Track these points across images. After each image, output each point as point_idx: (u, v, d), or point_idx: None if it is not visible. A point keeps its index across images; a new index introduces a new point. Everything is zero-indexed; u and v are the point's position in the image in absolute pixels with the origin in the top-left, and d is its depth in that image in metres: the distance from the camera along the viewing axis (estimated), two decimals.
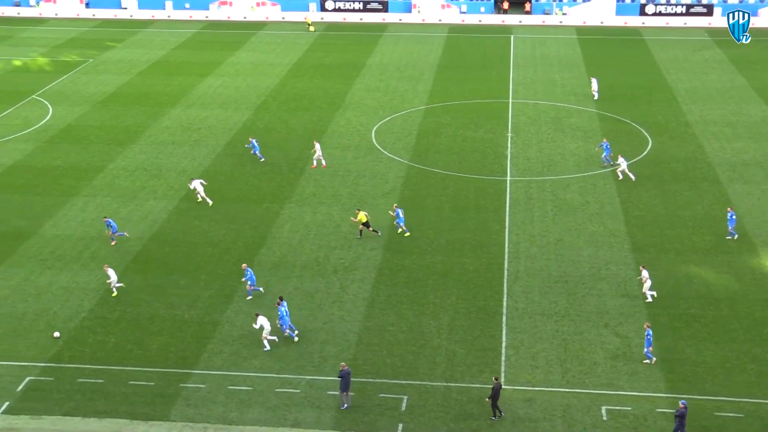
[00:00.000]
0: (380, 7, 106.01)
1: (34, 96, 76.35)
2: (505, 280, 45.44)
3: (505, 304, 43.37)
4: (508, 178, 57.83)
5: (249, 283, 43.83)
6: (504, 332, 41.08)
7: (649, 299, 43.33)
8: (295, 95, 76.16)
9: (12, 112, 72.05)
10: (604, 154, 59.29)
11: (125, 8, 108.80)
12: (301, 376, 37.81)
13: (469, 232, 50.62)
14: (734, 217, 49.56)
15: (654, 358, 38.73)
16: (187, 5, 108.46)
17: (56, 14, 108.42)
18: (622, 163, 57.16)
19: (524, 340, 40.51)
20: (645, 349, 38.63)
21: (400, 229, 50.21)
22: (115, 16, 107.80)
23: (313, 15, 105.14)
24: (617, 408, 36.11)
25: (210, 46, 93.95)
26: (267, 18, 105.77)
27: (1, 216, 52.98)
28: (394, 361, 39.03)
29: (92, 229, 51.21)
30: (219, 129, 67.62)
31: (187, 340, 40.51)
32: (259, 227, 51.37)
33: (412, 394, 36.96)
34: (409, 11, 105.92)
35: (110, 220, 49.57)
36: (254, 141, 61.98)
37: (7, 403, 36.30)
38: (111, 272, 44.22)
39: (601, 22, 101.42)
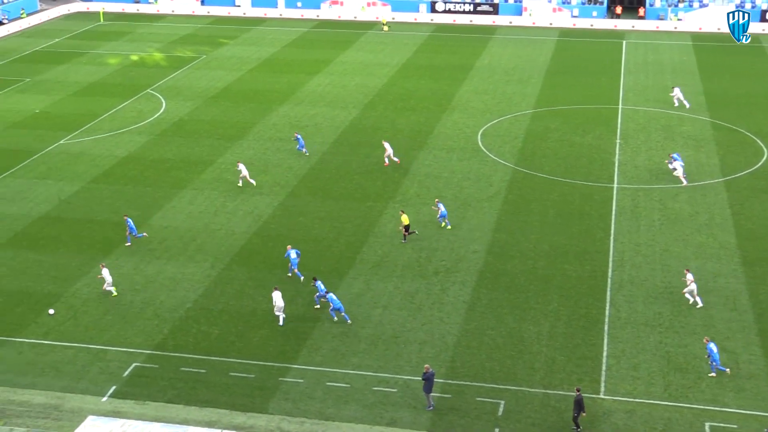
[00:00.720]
0: (491, 9, 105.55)
1: (148, 90, 78.45)
2: (609, 289, 44.73)
3: (607, 312, 42.70)
4: (615, 186, 56.90)
5: (291, 266, 45.26)
6: (605, 341, 40.45)
7: (700, 304, 42.75)
8: (403, 95, 76.41)
9: (128, 105, 74.18)
10: (678, 164, 57.59)
11: (239, 6, 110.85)
12: (399, 376, 37.92)
13: (573, 238, 49.99)
14: None
15: (728, 369, 37.84)
16: (299, 4, 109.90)
17: (173, 11, 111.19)
18: (678, 167, 56.93)
19: (626, 350, 39.80)
20: (713, 365, 37.65)
21: (443, 224, 50.76)
22: (229, 13, 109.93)
23: (387, 14, 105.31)
24: (722, 425, 35.15)
25: (320, 44, 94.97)
26: (377, 18, 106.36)
27: (114, 206, 54.58)
28: (492, 365, 38.83)
29: (199, 221, 52.35)
30: (326, 127, 68.32)
31: (288, 335, 41.05)
32: (362, 225, 51.71)
33: (509, 399, 36.70)
34: (520, 14, 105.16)
35: (129, 219, 49.60)
36: (299, 136, 62.98)
37: (113, 387, 37.40)
38: (106, 273, 44.31)
39: (718, 29, 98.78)
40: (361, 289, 44.92)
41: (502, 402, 36.49)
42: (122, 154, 62.98)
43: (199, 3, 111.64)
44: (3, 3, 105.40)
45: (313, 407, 36.24)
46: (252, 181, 57.15)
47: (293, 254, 45.86)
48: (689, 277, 43.45)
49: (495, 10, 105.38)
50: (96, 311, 43.01)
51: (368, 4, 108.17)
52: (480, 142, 64.54)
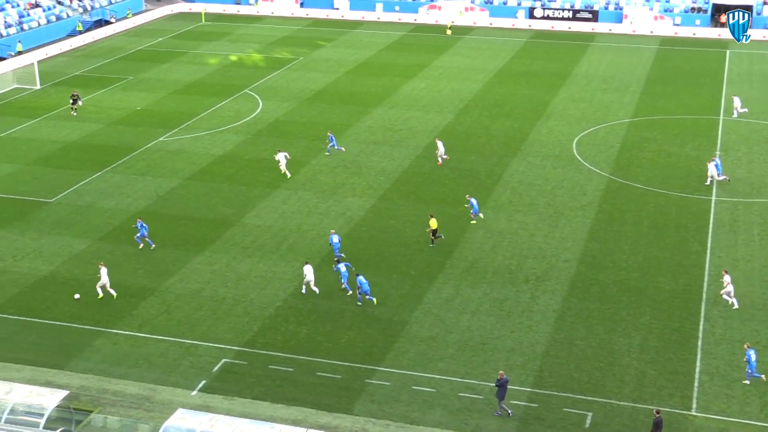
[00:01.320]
0: (590, 16, 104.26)
1: (246, 90, 79.66)
2: (703, 304, 43.72)
3: (701, 328, 41.73)
4: (713, 198, 55.60)
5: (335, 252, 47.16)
6: (698, 357, 39.54)
7: (736, 305, 42.89)
8: (498, 101, 76.01)
9: (225, 105, 75.45)
10: (717, 171, 57.49)
11: (337, 9, 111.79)
12: (485, 383, 37.70)
13: (668, 251, 49.01)
14: None
15: (762, 376, 37.35)
16: (397, 8, 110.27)
17: (272, 13, 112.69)
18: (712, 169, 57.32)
19: (720, 367, 38.83)
20: (749, 372, 37.44)
21: (474, 220, 51.96)
22: (327, 16, 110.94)
23: (455, 18, 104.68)
24: None
25: (417, 48, 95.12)
26: (474, 23, 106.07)
27: (209, 203, 55.57)
28: (580, 376, 38.31)
29: (292, 221, 52.92)
30: (420, 131, 68.38)
31: (375, 337, 41.18)
32: (453, 231, 51.57)
33: (597, 411, 36.15)
34: (620, 21, 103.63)
35: (142, 222, 49.79)
36: (332, 135, 63.96)
37: (203, 382, 38.04)
38: (104, 272, 44.53)
39: None
40: (450, 294, 44.82)
41: (590, 414, 35.97)
42: (219, 153, 64.06)
43: (299, 5, 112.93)
44: (111, 3, 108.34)
45: (398, 410, 36.27)
46: (287, 172, 58.94)
47: (335, 239, 47.80)
48: (726, 278, 43.24)
49: (594, 17, 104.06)
50: (188, 306, 43.83)
51: (466, 9, 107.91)
52: (575, 150, 63.78)
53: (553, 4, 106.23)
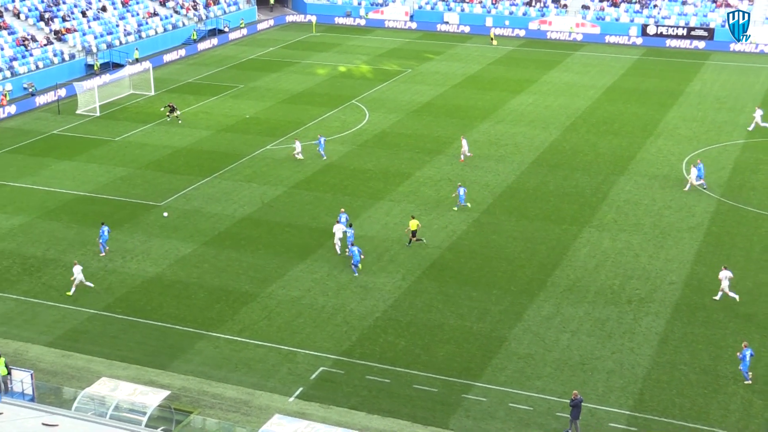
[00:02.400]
0: (705, 34, 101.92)
1: (353, 101, 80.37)
2: None
3: None
4: None
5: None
6: None
7: (717, 297, 44.62)
8: (606, 119, 74.94)
9: (333, 115, 76.26)
10: (699, 174, 58.84)
11: (447, 22, 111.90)
12: (584, 404, 37.07)
13: None
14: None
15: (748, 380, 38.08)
16: (507, 22, 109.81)
17: (382, 25, 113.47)
18: (693, 175, 58.54)
19: None
20: (741, 368, 38.43)
21: (457, 207, 55.42)
22: (437, 29, 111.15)
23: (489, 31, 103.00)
24: None
25: (525, 63, 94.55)
26: (585, 39, 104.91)
27: (313, 212, 56.19)
28: (683, 402, 37.38)
29: (393, 232, 53.09)
30: (525, 146, 67.89)
31: (473, 352, 40.96)
32: (556, 248, 51.02)
33: None
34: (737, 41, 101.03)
35: (105, 228, 50.32)
36: (322, 138, 65.60)
37: (300, 389, 38.41)
38: (77, 270, 45.62)
39: None
40: (551, 312, 44.31)
41: None
42: (324, 162, 64.74)
43: (408, 18, 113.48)
44: (225, 13, 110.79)
45: (494, 427, 35.97)
46: (300, 156, 63.95)
47: (343, 219, 51.46)
48: (721, 274, 44.75)
49: (710, 35, 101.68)
50: (289, 313, 44.35)
51: (577, 25, 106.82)
52: (684, 171, 62.40)
53: (667, 21, 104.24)
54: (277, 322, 43.62)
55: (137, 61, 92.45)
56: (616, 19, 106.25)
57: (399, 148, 67.87)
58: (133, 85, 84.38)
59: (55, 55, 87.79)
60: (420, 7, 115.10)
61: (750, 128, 70.71)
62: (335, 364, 40.12)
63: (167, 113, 75.34)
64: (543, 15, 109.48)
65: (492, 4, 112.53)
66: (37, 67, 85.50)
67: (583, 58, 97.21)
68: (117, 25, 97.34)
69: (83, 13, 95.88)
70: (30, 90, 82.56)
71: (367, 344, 41.66)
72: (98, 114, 76.87)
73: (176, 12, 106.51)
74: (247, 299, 45.69)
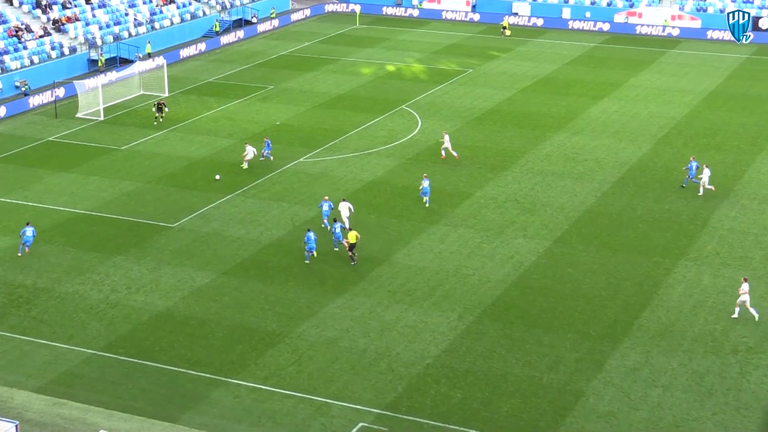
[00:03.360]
0: None
1: (403, 106, 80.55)
2: None
3: None
4: None
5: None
6: None
7: (735, 315, 46.86)
8: (707, 130, 74.38)
9: (378, 122, 76.46)
10: (690, 174, 62.61)
11: (515, 13, 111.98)
12: None
13: None
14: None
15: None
16: (588, 14, 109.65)
17: (439, 17, 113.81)
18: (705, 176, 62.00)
19: None
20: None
21: (424, 199, 59.78)
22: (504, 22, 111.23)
23: None
24: None
25: (609, 63, 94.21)
26: (682, 34, 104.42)
27: None
28: None
29: (449, 263, 52.95)
30: (608, 162, 67.51)
31: (543, 408, 40.61)
32: (644, 285, 50.54)
33: None
34: None
35: (28, 229, 53.42)
36: (268, 141, 67.82)
37: None
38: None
39: None
40: (638, 362, 43.84)
41: None
42: (368, 178, 64.86)
43: (470, 8, 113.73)
44: (253, 1, 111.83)
45: None
46: (243, 158, 65.56)
47: (326, 207, 56.23)
48: (743, 287, 46.87)
49: None
50: (323, 358, 44.31)
51: (672, 17, 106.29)
52: None
53: None
54: (309, 368, 43.60)
55: (149, 56, 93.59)
56: (721, 11, 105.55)
57: (457, 162, 67.81)
58: (144, 84, 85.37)
59: (52, 48, 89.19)
60: None
61: None
62: (377, 420, 39.99)
63: (156, 113, 76.13)
64: (632, 6, 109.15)
65: None
66: (32, 63, 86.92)
67: (679, 57, 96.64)
68: (126, 14, 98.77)
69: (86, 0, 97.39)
70: (23, 89, 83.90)
71: (416, 396, 41.49)
72: (102, 118, 77.80)
73: None
74: (274, 340, 45.73)
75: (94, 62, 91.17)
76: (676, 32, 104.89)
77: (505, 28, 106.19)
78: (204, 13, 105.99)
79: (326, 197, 57.45)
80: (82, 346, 45.13)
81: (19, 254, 53.56)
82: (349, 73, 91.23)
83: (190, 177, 65.29)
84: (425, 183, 60.06)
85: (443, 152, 67.66)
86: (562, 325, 46.89)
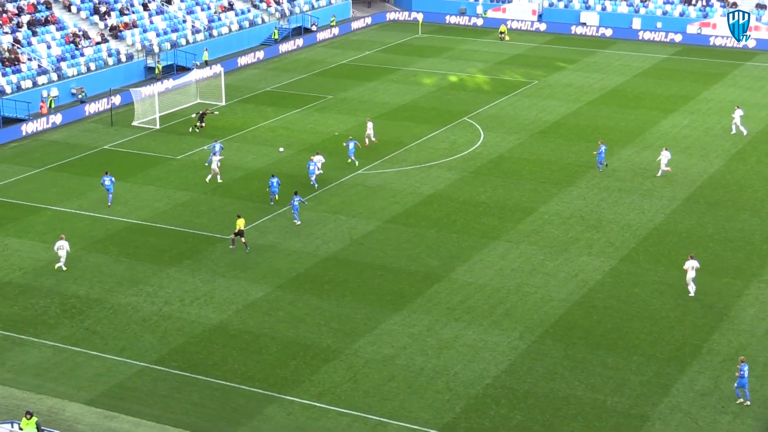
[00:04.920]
0: None
1: (465, 118, 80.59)
2: None
3: None
4: None
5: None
6: None
7: (691, 293, 50.12)
8: None
9: (439, 134, 76.57)
10: (599, 158, 68.24)
11: (584, 24, 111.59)
12: None
13: None
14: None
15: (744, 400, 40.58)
16: (659, 24, 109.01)
17: (505, 25, 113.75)
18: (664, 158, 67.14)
19: None
20: (737, 386, 41.65)
21: (350, 160, 67.31)
22: (572, 32, 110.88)
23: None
24: None
25: (681, 75, 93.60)
26: (759, 46, 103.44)
27: (412, 252, 56.34)
28: None
29: (511, 281, 52.87)
30: (678, 179, 67.05)
31: None
32: (714, 307, 50.11)
33: None
34: None
35: (106, 178, 59.17)
36: (216, 144, 69.18)
37: None
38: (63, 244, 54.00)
39: None
40: (708, 387, 43.44)
41: None
42: (428, 192, 64.97)
43: (536, 18, 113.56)
44: (313, 8, 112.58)
45: None
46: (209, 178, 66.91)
47: (275, 183, 62.14)
48: (687, 264, 50.69)
49: None
50: (379, 375, 44.43)
51: (750, 29, 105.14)
52: None
53: None
54: (365, 385, 43.73)
55: (206, 64, 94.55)
56: None
57: (520, 176, 67.72)
58: (201, 93, 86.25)
59: (109, 55, 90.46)
60: (551, 5, 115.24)
61: (733, 131, 76.03)
62: None
63: (197, 122, 77.32)
64: (705, 16, 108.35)
65: (641, 1, 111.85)
66: (89, 70, 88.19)
67: (756, 70, 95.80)
68: (184, 21, 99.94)
69: (144, 6, 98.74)
70: (79, 96, 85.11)
71: (475, 417, 41.46)
72: (158, 126, 78.75)
73: (255, 6, 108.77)
74: (329, 356, 45.93)
75: (150, 70, 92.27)
76: (752, 44, 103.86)
77: (503, 33, 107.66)
78: (263, 21, 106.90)
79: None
80: (134, 359, 45.67)
81: (109, 204, 61.93)
82: (410, 83, 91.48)
83: (246, 188, 65.81)
84: (350, 144, 68.00)
85: (366, 140, 72.74)
86: (627, 346, 46.62)
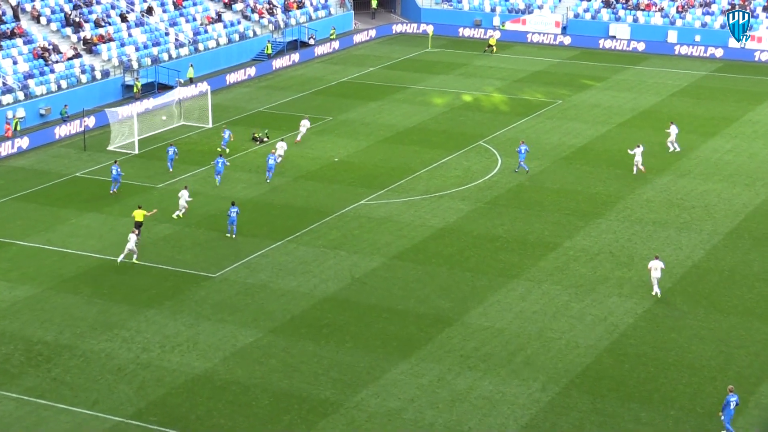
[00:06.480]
0: None
1: (481, 142, 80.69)
2: None
3: None
4: None
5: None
6: None
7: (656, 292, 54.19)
8: None
9: (452, 160, 76.60)
10: (520, 159, 72.59)
11: (612, 37, 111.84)
12: None
13: None
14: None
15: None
16: (698, 37, 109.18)
17: (524, 39, 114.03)
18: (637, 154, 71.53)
19: None
20: (723, 417, 42.71)
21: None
22: (600, 46, 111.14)
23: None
24: None
25: (721, 95, 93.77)
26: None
27: (421, 292, 56.22)
28: None
29: (532, 325, 52.72)
30: (720, 210, 67.02)
31: None
32: (761, 354, 49.94)
33: None
34: None
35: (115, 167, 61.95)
36: (172, 147, 74.32)
37: None
38: (133, 238, 58.64)
39: None
40: None
41: None
42: (438, 225, 64.94)
43: (560, 30, 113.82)
44: (311, 20, 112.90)
45: None
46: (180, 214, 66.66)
47: (233, 213, 62.58)
48: (651, 264, 54.80)
49: None
50: (384, 431, 44.21)
51: None
52: None
53: None
54: None
55: (191, 81, 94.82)
56: None
57: (542, 208, 67.70)
58: (185, 114, 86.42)
59: (83, 71, 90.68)
60: (576, 16, 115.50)
61: (670, 150, 78.07)
62: None
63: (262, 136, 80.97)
64: (750, 29, 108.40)
65: (677, 12, 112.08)
66: (59, 88, 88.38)
67: None
68: (166, 34, 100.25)
69: (122, 17, 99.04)
70: (62, 115, 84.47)
71: None
72: (136, 151, 78.87)
73: (245, 17, 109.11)
74: (328, 410, 45.75)
75: (129, 88, 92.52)
76: None
77: (490, 46, 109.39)
78: (254, 34, 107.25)
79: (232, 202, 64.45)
80: (108, 413, 45.43)
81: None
82: (419, 103, 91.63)
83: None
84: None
85: (299, 137, 79.08)
86: (663, 399, 46.42)
